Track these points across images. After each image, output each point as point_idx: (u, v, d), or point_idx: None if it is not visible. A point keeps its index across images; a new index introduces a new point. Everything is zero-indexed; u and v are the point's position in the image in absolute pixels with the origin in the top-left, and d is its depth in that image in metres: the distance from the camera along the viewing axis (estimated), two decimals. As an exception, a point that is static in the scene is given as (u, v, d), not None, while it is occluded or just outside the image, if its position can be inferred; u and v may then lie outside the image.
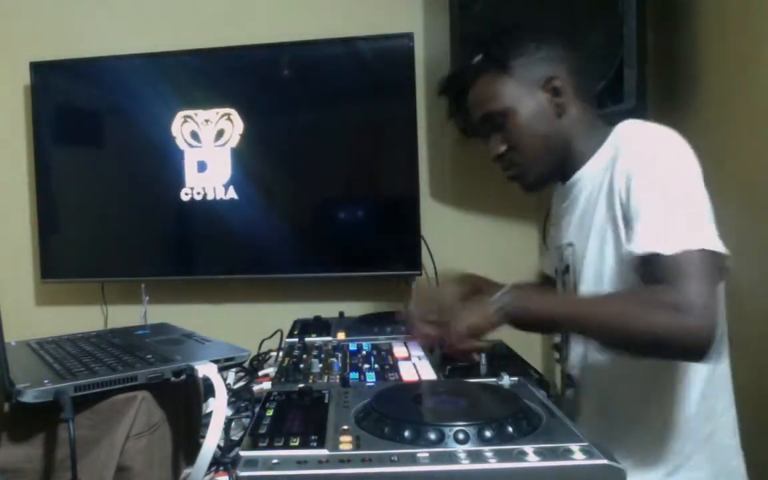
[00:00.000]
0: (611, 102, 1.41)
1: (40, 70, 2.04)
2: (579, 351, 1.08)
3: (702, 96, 1.45)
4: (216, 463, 0.93)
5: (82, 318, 2.08)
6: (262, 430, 0.72)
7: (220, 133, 1.98)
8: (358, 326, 1.44)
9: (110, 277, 2.09)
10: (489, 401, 0.81)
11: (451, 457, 0.64)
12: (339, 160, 2.00)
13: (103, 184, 2.07)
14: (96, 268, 2.09)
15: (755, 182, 1.26)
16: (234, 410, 1.20)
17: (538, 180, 1.10)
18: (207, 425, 0.82)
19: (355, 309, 1.74)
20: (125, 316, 1.97)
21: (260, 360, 1.53)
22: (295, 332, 1.40)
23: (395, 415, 0.72)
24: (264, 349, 1.57)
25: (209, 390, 1.00)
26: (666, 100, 1.56)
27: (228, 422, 1.10)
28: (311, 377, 1.01)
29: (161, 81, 2.00)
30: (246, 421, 1.15)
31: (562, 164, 1.08)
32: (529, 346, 1.20)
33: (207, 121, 1.98)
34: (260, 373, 1.41)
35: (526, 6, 1.45)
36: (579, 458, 0.63)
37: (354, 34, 1.93)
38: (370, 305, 1.87)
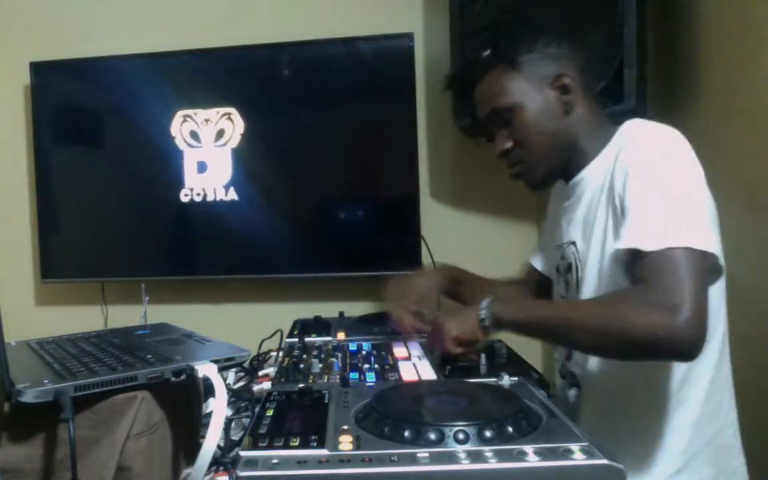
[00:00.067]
0: (611, 102, 1.40)
1: (40, 70, 2.04)
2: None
3: (702, 96, 1.45)
4: (216, 463, 0.93)
5: (82, 318, 2.08)
6: (262, 430, 0.72)
7: (220, 133, 1.97)
8: (358, 326, 1.44)
9: (110, 277, 2.09)
10: (489, 401, 0.81)
11: (451, 457, 0.64)
12: (339, 160, 2.00)
13: (103, 184, 2.07)
14: (96, 268, 2.09)
15: (755, 182, 1.26)
16: (234, 410, 1.20)
17: (544, 178, 1.10)
18: (207, 425, 0.82)
19: (355, 309, 1.74)
20: (125, 316, 1.96)
21: (260, 360, 1.53)
22: (295, 332, 1.40)
23: (395, 415, 0.72)
24: (264, 349, 1.57)
25: (209, 390, 1.00)
26: (666, 100, 1.56)
27: (228, 422, 1.10)
28: (311, 377, 1.01)
29: (161, 81, 2.00)
30: (246, 421, 1.15)
31: (567, 163, 1.08)
32: (529, 346, 1.20)
33: (207, 120, 1.98)
34: (260, 373, 1.41)
35: (526, 6, 1.45)
36: (579, 458, 0.63)
37: (354, 34, 1.93)
38: (370, 305, 1.87)
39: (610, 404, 1.03)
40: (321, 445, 0.67)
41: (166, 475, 0.89)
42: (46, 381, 0.80)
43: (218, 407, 0.84)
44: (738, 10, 1.33)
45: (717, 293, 0.96)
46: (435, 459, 0.63)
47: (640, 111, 1.40)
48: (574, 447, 0.64)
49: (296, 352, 1.18)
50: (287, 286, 2.03)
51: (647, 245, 0.85)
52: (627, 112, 1.38)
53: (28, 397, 0.76)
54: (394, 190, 1.98)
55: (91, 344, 1.08)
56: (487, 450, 0.64)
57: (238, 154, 1.97)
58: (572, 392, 1.10)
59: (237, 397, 1.26)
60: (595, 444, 0.65)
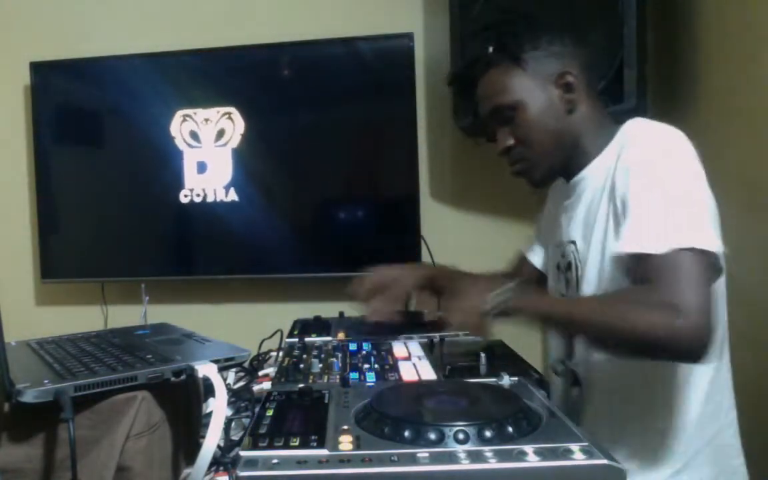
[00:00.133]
0: (611, 101, 1.40)
1: (40, 70, 2.04)
2: (584, 349, 1.08)
3: (702, 96, 1.45)
4: (216, 463, 0.93)
5: (82, 318, 2.08)
6: (262, 430, 0.72)
7: (220, 133, 1.97)
8: (358, 326, 1.44)
9: (110, 277, 2.10)
10: (489, 401, 0.81)
11: (451, 457, 0.63)
12: (339, 160, 2.00)
13: (103, 184, 2.07)
14: (96, 268, 2.09)
15: (755, 182, 1.26)
16: (234, 410, 1.19)
17: (546, 176, 1.10)
18: (207, 425, 0.82)
19: (355, 309, 1.74)
20: (125, 316, 1.96)
21: (260, 360, 1.53)
22: (295, 332, 1.39)
23: (395, 415, 0.72)
24: (264, 349, 1.57)
25: (209, 390, 1.00)
26: (666, 100, 1.56)
27: (228, 422, 1.10)
28: (311, 377, 1.01)
29: (161, 81, 2.00)
30: (246, 421, 1.15)
31: (569, 161, 1.08)
32: (529, 346, 1.20)
33: (207, 120, 1.98)
34: (260, 373, 1.41)
35: (526, 6, 1.45)
36: (579, 458, 0.63)
37: (354, 34, 1.93)
38: (369, 305, 1.87)
39: (611, 404, 1.03)
40: (321, 445, 0.67)
41: (166, 475, 0.89)
42: (46, 381, 0.80)
43: (218, 407, 0.84)
44: (738, 10, 1.33)
45: (717, 293, 0.96)
46: (435, 459, 0.63)
47: (640, 111, 1.40)
48: (574, 447, 0.64)
49: (296, 352, 1.18)
50: (287, 286, 2.03)
51: (649, 248, 0.85)
52: (627, 111, 1.38)
53: (28, 397, 0.75)
54: (394, 190, 1.98)
55: (91, 344, 1.08)
56: (487, 450, 0.64)
57: (239, 154, 1.97)
58: (574, 391, 1.10)
59: (237, 397, 1.26)
60: (595, 444, 0.65)
